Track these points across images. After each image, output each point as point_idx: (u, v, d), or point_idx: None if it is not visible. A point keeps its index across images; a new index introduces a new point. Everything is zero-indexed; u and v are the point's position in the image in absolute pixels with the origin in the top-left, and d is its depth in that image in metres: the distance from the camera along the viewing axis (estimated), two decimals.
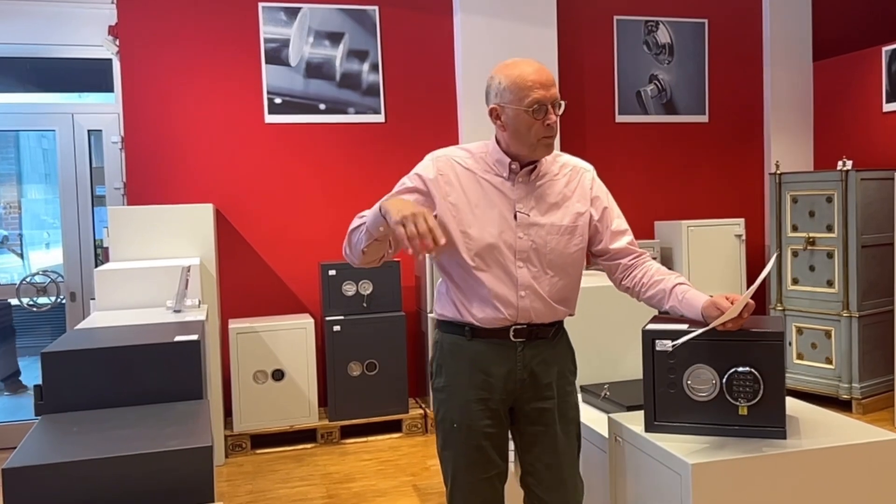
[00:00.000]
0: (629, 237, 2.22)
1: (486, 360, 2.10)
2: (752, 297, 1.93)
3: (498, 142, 2.13)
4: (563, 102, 2.08)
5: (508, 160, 2.10)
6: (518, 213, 2.09)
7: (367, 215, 2.03)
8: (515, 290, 2.08)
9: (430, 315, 4.72)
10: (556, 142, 5.71)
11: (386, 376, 4.67)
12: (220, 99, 4.80)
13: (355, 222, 2.10)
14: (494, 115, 2.09)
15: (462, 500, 2.14)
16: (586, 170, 2.22)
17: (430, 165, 2.13)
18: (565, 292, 2.16)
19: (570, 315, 2.22)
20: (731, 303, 1.94)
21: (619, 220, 2.22)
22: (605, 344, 3.00)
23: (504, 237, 2.07)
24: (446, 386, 2.15)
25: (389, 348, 4.67)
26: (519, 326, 2.10)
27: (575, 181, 2.17)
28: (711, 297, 2.01)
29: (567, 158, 2.22)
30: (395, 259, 4.60)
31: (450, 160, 2.13)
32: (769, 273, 1.88)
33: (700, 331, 1.94)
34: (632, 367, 2.95)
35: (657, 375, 2.05)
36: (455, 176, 2.10)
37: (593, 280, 2.90)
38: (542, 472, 2.13)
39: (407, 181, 2.14)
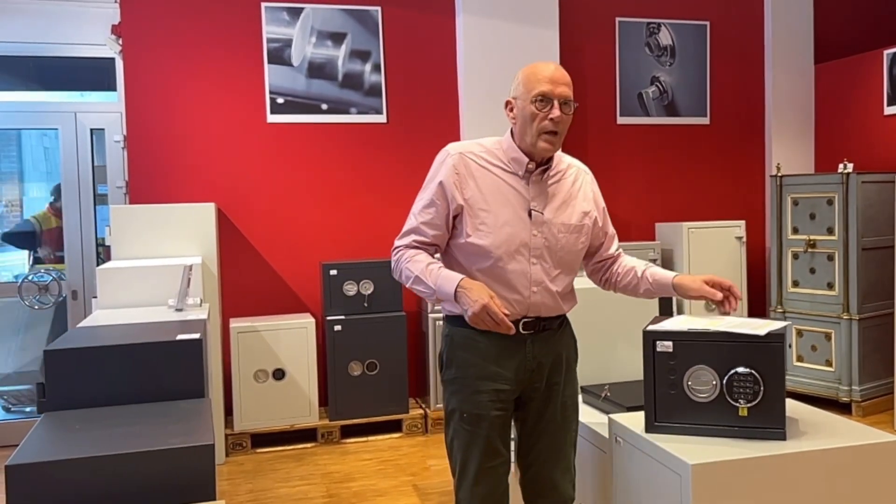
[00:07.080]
0: (617, 239, 2.39)
1: (498, 352, 2.16)
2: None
3: (513, 137, 2.19)
4: (574, 103, 2.15)
5: (526, 160, 2.15)
6: (532, 211, 2.15)
7: (438, 284, 2.05)
8: (528, 286, 2.15)
9: (430, 315, 4.72)
10: None
11: (386, 376, 4.67)
12: (223, 98, 4.81)
13: (415, 268, 2.10)
14: (508, 107, 2.19)
15: (469, 489, 2.18)
16: (586, 171, 2.35)
17: (448, 167, 2.15)
18: (569, 287, 2.27)
19: (574, 305, 2.31)
20: (712, 286, 2.13)
21: (610, 224, 2.37)
22: (606, 344, 3.00)
23: (520, 235, 2.13)
24: (457, 377, 2.20)
25: (390, 348, 4.67)
26: (528, 320, 2.17)
27: (580, 181, 2.28)
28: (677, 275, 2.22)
29: (570, 159, 2.33)
30: None
31: (464, 157, 2.17)
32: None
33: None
34: (632, 367, 2.96)
35: (658, 376, 2.06)
36: (470, 173, 2.15)
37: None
38: (541, 452, 2.23)
39: (429, 192, 2.16)
